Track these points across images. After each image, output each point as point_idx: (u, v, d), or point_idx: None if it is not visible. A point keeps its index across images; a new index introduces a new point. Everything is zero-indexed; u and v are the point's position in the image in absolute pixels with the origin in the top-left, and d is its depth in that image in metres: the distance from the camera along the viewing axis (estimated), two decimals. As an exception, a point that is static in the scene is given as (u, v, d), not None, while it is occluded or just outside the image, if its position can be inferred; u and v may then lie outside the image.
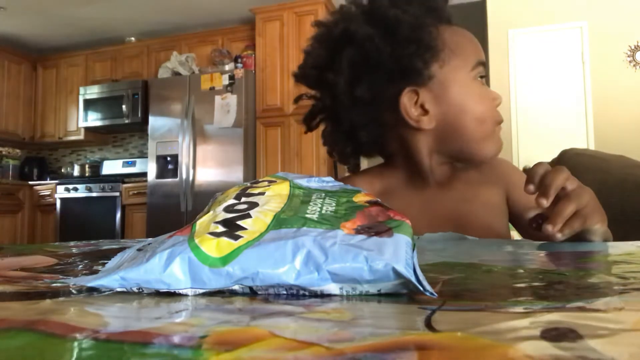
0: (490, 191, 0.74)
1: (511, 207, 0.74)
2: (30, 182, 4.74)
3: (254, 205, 0.32)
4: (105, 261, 0.33)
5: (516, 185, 0.73)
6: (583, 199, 0.50)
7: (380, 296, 0.24)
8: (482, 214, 0.71)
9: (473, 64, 0.67)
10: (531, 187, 0.51)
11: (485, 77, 0.69)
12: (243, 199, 0.33)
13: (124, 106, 4.52)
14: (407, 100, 0.66)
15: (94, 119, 4.71)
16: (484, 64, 0.69)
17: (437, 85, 0.66)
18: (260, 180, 0.38)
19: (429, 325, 0.18)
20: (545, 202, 0.48)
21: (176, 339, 0.17)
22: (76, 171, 4.98)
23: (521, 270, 0.32)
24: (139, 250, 0.31)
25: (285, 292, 0.25)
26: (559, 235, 0.48)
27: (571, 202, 0.49)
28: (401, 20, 0.65)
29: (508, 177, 0.75)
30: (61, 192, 4.48)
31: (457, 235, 0.56)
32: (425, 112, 0.67)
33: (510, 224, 0.76)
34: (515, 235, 0.79)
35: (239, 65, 4.00)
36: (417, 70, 0.65)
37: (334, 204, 0.32)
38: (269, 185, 0.36)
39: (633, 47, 3.64)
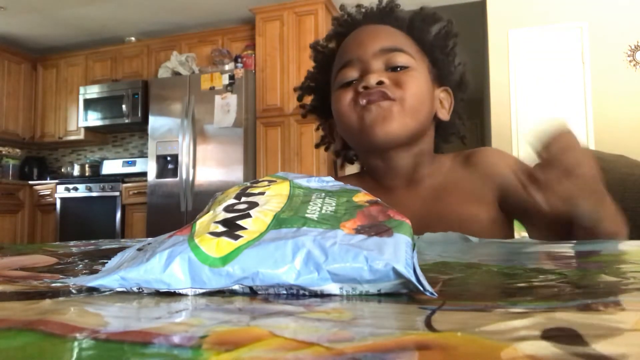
0: (470, 189, 0.69)
1: (514, 206, 0.68)
2: (30, 182, 4.74)
3: (254, 205, 0.32)
4: (105, 261, 0.33)
5: (513, 182, 0.67)
6: (584, 169, 0.49)
7: (380, 296, 0.24)
8: (451, 212, 0.68)
9: (335, 75, 0.71)
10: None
11: (358, 78, 0.68)
12: (243, 199, 0.33)
13: (124, 106, 4.52)
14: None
15: (94, 119, 4.71)
16: (349, 63, 0.68)
17: None
18: (260, 180, 0.38)
19: (429, 325, 0.18)
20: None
21: (176, 339, 0.17)
22: (76, 171, 4.98)
23: (521, 270, 0.32)
24: (139, 250, 0.31)
25: (285, 292, 0.25)
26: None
27: (566, 176, 0.48)
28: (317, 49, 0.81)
29: (502, 173, 0.69)
30: (61, 192, 4.48)
31: (457, 235, 0.56)
32: None
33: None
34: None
35: (239, 65, 4.00)
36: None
37: (333, 204, 0.32)
38: (269, 185, 0.36)
39: (633, 47, 3.64)
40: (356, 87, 0.66)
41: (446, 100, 0.75)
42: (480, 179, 0.70)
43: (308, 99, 0.85)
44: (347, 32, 0.74)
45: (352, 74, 0.68)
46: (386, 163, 0.71)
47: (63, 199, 4.47)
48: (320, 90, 0.80)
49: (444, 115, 0.73)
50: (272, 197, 0.34)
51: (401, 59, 0.67)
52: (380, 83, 0.65)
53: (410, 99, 0.65)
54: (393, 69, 0.67)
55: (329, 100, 0.75)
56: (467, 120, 0.80)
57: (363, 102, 0.65)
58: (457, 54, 0.76)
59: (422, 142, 0.70)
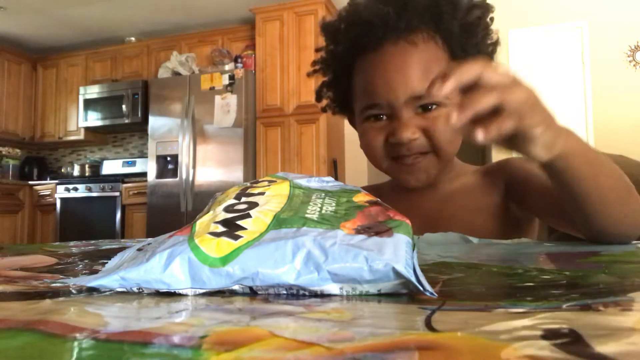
0: (483, 194, 0.70)
1: (532, 209, 0.66)
2: (30, 182, 4.73)
3: (254, 205, 0.32)
4: (105, 261, 0.33)
5: (526, 186, 0.65)
6: (514, 94, 0.39)
7: (380, 296, 0.24)
8: (463, 216, 0.69)
9: (361, 108, 0.68)
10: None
11: (386, 116, 0.65)
12: (243, 199, 0.33)
13: (124, 106, 4.52)
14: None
15: (94, 119, 4.71)
16: (377, 105, 0.65)
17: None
18: (260, 180, 0.38)
19: (429, 325, 0.18)
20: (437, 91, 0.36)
21: (176, 339, 0.17)
22: (76, 171, 4.98)
23: (521, 270, 0.32)
24: (139, 250, 0.31)
25: (285, 292, 0.25)
26: (480, 136, 0.36)
27: (490, 93, 0.37)
28: (330, 58, 0.74)
29: (514, 180, 0.68)
30: (61, 192, 4.48)
31: (457, 236, 0.56)
32: None
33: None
34: None
35: (239, 65, 4.00)
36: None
37: (334, 204, 0.32)
38: (269, 185, 0.36)
39: (633, 47, 3.64)
40: (387, 133, 0.65)
41: None
42: (491, 188, 0.71)
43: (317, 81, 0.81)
44: (361, 34, 0.67)
45: (381, 111, 0.66)
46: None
47: (63, 199, 4.47)
48: (340, 90, 0.76)
49: None
50: (272, 197, 0.34)
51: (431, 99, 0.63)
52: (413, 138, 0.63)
53: (446, 146, 0.64)
54: (423, 107, 0.64)
55: (348, 97, 0.74)
56: None
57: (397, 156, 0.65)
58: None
59: None
